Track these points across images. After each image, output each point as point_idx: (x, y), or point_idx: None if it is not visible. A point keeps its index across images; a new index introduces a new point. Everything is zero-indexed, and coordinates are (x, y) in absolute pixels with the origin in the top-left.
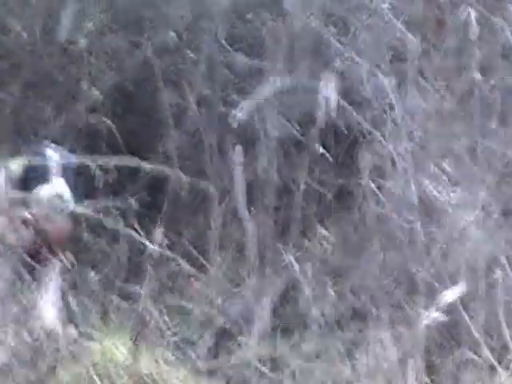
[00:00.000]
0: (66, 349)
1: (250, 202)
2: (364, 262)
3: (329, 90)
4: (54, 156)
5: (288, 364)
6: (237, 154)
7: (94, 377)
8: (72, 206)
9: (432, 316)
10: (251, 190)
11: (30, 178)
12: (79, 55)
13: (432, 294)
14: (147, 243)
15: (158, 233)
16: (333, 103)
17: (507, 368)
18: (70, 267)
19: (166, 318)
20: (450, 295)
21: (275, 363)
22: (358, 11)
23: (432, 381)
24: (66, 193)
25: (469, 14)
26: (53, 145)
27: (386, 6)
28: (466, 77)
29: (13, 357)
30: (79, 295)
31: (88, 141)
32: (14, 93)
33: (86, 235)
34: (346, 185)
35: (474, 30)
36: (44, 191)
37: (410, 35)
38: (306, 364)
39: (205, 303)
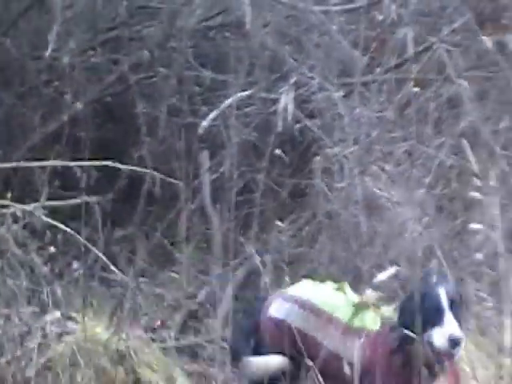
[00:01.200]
0: (52, 328)
1: (215, 199)
2: (315, 252)
3: (286, 102)
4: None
5: None
6: (203, 158)
7: (76, 353)
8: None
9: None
10: (216, 189)
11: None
12: (63, 71)
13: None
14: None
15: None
16: (289, 113)
17: None
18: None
19: (141, 302)
20: (382, 276)
21: None
22: (310, 32)
23: None
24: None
25: (406, 34)
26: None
27: (334, 27)
28: (404, 89)
29: (3, 335)
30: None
31: (71, 146)
32: (4, 102)
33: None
34: (299, 184)
35: (410, 47)
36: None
37: (355, 52)
38: None
39: (175, 289)
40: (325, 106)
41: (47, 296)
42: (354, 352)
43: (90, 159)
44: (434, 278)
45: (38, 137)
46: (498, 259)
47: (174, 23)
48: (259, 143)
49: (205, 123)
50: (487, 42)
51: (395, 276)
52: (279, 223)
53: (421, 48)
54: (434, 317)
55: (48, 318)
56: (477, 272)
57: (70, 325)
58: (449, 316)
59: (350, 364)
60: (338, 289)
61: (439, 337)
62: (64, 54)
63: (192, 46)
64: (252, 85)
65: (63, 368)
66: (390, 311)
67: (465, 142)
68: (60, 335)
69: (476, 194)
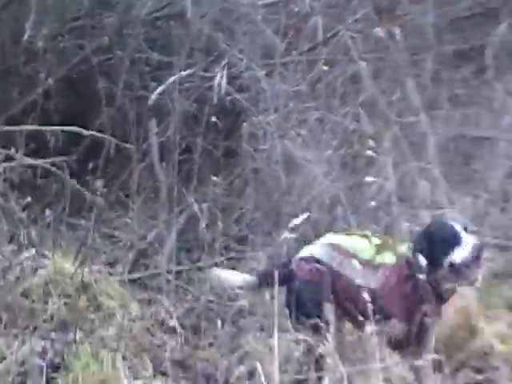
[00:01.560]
0: (28, 264)
1: (162, 159)
2: (243, 202)
3: (219, 79)
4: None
5: (190, 276)
6: (152, 125)
7: (48, 284)
8: None
9: (285, 235)
10: (162, 150)
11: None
12: (37, 53)
13: None
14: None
15: (98, 183)
16: (222, 88)
17: None
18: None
19: (100, 243)
20: (297, 221)
21: (181, 274)
22: (239, 21)
23: None
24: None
25: (316, 22)
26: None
27: (259, 17)
28: (316, 68)
29: None
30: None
31: (44, 115)
32: None
33: (43, 182)
34: (230, 146)
35: (320, 34)
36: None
37: (276, 38)
38: (201, 275)
39: (129, 232)
40: (251, 82)
41: (24, 237)
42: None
43: (59, 125)
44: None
45: (17, 107)
46: (391, 206)
47: (128, 14)
48: (197, 113)
49: (153, 96)
50: (379, 31)
51: (307, 220)
52: (214, 178)
53: (329, 34)
54: (452, 241)
55: (25, 255)
56: (374, 216)
57: (43, 261)
58: (466, 237)
59: (368, 291)
60: (362, 236)
61: (462, 252)
62: (38, 39)
63: (143, 32)
64: (192, 65)
65: (37, 296)
66: (405, 248)
67: (363, 112)
68: (35, 269)
69: (372, 154)
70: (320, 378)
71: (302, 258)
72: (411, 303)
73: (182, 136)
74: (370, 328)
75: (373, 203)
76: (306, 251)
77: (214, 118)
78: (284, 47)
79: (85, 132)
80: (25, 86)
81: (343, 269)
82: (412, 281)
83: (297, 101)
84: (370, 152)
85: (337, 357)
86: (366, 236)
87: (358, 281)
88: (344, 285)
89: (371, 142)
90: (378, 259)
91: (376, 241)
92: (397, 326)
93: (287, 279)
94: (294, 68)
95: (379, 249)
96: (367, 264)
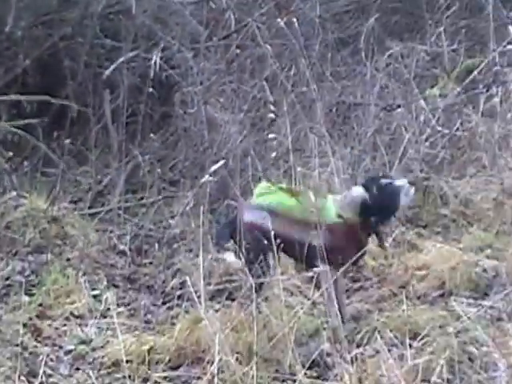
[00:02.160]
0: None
1: (113, 121)
2: (176, 154)
3: (155, 58)
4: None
5: (135, 211)
6: (105, 95)
7: (26, 218)
8: None
9: (207, 178)
10: (114, 114)
11: None
12: (17, 40)
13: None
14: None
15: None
16: (157, 65)
17: None
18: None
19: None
20: (215, 167)
21: (128, 209)
22: (172, 15)
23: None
24: None
25: (230, 15)
26: None
27: (187, 12)
28: (231, 51)
29: None
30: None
31: (21, 89)
32: None
33: (22, 140)
34: (166, 111)
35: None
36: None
37: (200, 28)
38: (144, 209)
39: (89, 177)
40: (181, 62)
41: (7, 182)
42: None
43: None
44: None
45: (1, 82)
46: (288, 156)
47: (87, 10)
48: (141, 85)
49: (107, 72)
50: (280, 22)
51: (224, 167)
52: (153, 135)
53: (241, 25)
54: (397, 203)
55: (8, 196)
56: (276, 164)
57: (22, 200)
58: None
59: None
60: (292, 195)
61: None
62: (17, 29)
63: (98, 24)
64: (136, 48)
65: (18, 227)
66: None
67: (266, 84)
68: (16, 207)
69: (273, 116)
70: (235, 289)
71: (248, 222)
72: (353, 252)
73: (129, 103)
74: None
75: (274, 154)
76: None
77: (152, 89)
78: (206, 34)
79: (53, 100)
80: (7, 66)
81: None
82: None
83: (217, 76)
84: (271, 115)
85: (247, 271)
86: (290, 192)
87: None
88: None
89: (273, 107)
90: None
91: (299, 195)
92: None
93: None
94: (215, 50)
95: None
96: (303, 222)
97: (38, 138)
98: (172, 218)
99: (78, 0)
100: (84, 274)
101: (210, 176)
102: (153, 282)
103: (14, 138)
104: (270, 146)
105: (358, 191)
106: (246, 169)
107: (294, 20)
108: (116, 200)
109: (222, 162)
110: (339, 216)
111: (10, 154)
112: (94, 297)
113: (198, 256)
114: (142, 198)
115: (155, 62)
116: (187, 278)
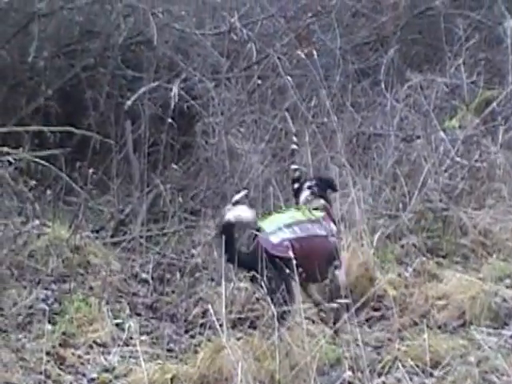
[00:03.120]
0: (33, 231)
1: (135, 151)
2: (197, 183)
3: (175, 90)
4: None
5: (157, 240)
6: (127, 124)
7: (49, 246)
8: None
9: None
10: (135, 144)
11: None
12: (39, 70)
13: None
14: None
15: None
16: (176, 97)
17: None
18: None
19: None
20: (237, 197)
21: (150, 238)
22: (194, 46)
23: None
24: None
25: (252, 47)
26: None
27: (208, 43)
28: (252, 81)
29: (3, 236)
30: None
31: (43, 119)
32: (3, 90)
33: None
34: (187, 141)
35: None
36: None
37: (221, 59)
38: (166, 238)
39: (110, 206)
40: (203, 92)
41: (30, 211)
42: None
43: (56, 124)
44: None
45: (24, 112)
46: None
47: (109, 41)
48: (162, 115)
49: (128, 103)
50: (301, 54)
51: (246, 196)
52: (175, 166)
53: (262, 56)
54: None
55: (31, 224)
56: None
57: (45, 229)
58: None
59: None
60: (298, 209)
61: None
62: (40, 59)
63: (120, 55)
64: (157, 79)
65: (41, 256)
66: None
67: (287, 114)
68: (38, 235)
69: (295, 146)
70: (257, 317)
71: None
72: None
73: (151, 133)
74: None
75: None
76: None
77: (173, 120)
78: (228, 65)
79: (76, 131)
80: (30, 95)
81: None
82: None
83: (238, 106)
84: (294, 146)
85: (269, 300)
86: (300, 209)
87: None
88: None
89: (295, 138)
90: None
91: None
92: None
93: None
94: (236, 81)
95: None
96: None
97: (61, 167)
98: (194, 247)
99: (99, 31)
100: (107, 303)
101: (233, 205)
102: (175, 310)
103: (37, 167)
104: (292, 176)
105: None
106: (268, 198)
107: (315, 51)
108: (138, 229)
109: (244, 192)
110: None
111: (33, 183)
112: (117, 325)
113: (219, 285)
114: (163, 228)
115: (176, 93)
116: (209, 307)
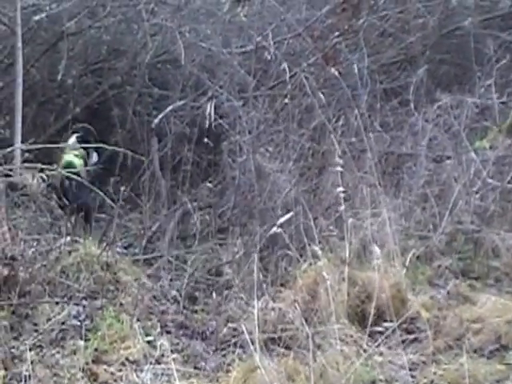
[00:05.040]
0: (64, 247)
1: (162, 168)
2: (224, 201)
3: (209, 109)
4: None
5: (185, 257)
6: (154, 142)
7: (80, 263)
8: None
9: (275, 230)
10: (162, 162)
11: None
12: (68, 88)
13: (262, 218)
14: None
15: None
16: (212, 116)
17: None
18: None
19: (118, 232)
20: (283, 219)
21: (178, 256)
22: (220, 64)
23: (266, 268)
24: None
25: (279, 66)
26: None
27: (235, 62)
28: (279, 100)
29: (36, 251)
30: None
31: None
32: (33, 107)
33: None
34: (214, 159)
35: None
36: None
37: (248, 77)
38: (193, 256)
39: (139, 223)
40: (230, 111)
41: (62, 228)
42: None
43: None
44: None
45: (52, 129)
46: (339, 205)
47: (135, 59)
48: (189, 133)
49: (156, 121)
50: (335, 71)
51: (274, 216)
52: (206, 184)
53: (289, 75)
54: None
55: (62, 241)
56: (326, 214)
57: (76, 245)
58: None
59: None
60: None
61: None
62: (68, 78)
63: (147, 73)
64: (184, 97)
65: (72, 272)
66: None
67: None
68: (70, 252)
69: (339, 168)
70: (290, 338)
71: None
72: None
73: (177, 151)
74: None
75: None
76: None
77: (200, 138)
78: (254, 84)
79: (107, 147)
80: (58, 113)
81: None
82: None
83: (265, 125)
84: (338, 167)
85: (303, 320)
86: None
87: None
88: None
89: (339, 159)
90: None
91: None
92: None
93: None
94: (263, 100)
95: None
96: None
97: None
98: (222, 265)
99: (126, 50)
100: (138, 320)
101: (278, 228)
102: (205, 328)
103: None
104: (320, 195)
105: None
106: (296, 218)
107: (342, 70)
108: (166, 246)
109: (290, 215)
110: None
111: (65, 200)
112: (148, 342)
113: (247, 303)
114: (191, 245)
115: (208, 113)
116: (242, 326)
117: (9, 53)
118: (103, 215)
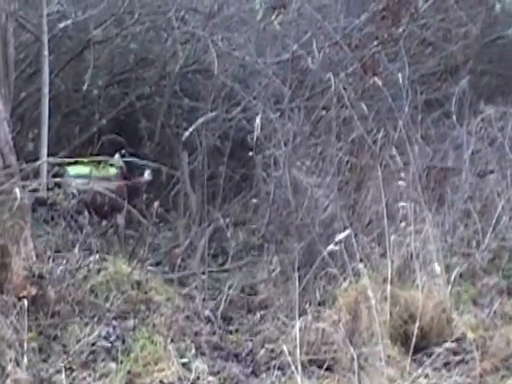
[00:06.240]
0: (93, 265)
1: (193, 183)
2: (258, 217)
3: (257, 123)
4: None
5: (217, 275)
6: (184, 156)
7: (109, 281)
8: None
9: (332, 248)
10: (193, 175)
11: None
12: (93, 99)
13: (299, 235)
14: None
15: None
16: (259, 129)
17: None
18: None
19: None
20: (341, 236)
21: (211, 274)
22: (255, 74)
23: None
24: None
25: (315, 76)
26: None
27: (270, 72)
28: (316, 112)
29: (65, 269)
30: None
31: (98, 148)
32: (57, 118)
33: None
34: (247, 173)
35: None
36: None
37: (284, 88)
38: (227, 275)
39: (169, 241)
40: (264, 123)
41: (92, 244)
42: None
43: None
44: None
45: (77, 141)
46: (381, 221)
47: (164, 69)
48: (221, 146)
49: (187, 133)
50: (378, 81)
51: (310, 232)
52: (234, 199)
53: (327, 85)
54: None
55: (92, 258)
56: (366, 230)
57: (105, 263)
58: None
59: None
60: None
61: None
62: (94, 88)
63: (177, 83)
64: (215, 109)
65: (101, 291)
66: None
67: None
68: (99, 270)
69: (402, 183)
70: (333, 359)
71: None
72: None
73: (208, 164)
74: None
75: (367, 219)
76: None
77: (232, 151)
78: (290, 95)
79: (139, 161)
80: (83, 124)
81: None
82: None
83: (302, 137)
84: (401, 182)
85: (348, 341)
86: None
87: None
88: None
89: (402, 174)
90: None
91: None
92: None
93: None
94: (299, 111)
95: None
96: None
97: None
98: (257, 283)
99: (155, 59)
100: (172, 341)
101: (336, 245)
102: (241, 349)
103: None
104: (359, 211)
105: None
106: (334, 234)
107: (381, 81)
108: (197, 264)
109: (347, 232)
110: None
111: (95, 217)
112: (183, 364)
113: (285, 323)
114: (224, 263)
115: (256, 126)
116: (283, 347)
117: (31, 61)
118: (131, 231)
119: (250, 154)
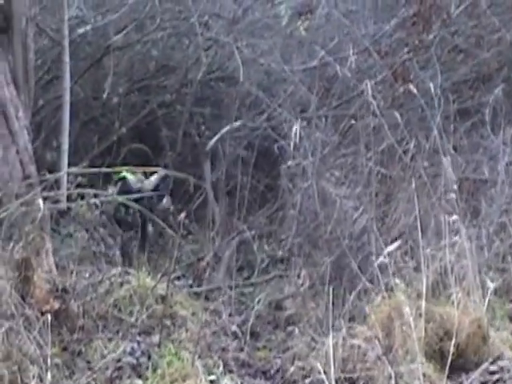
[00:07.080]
0: (116, 279)
1: (216, 193)
2: (285, 229)
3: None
4: None
5: (242, 290)
6: (207, 166)
7: (133, 295)
8: None
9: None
10: (216, 186)
11: None
12: (113, 107)
13: (328, 248)
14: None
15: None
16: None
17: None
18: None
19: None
20: (391, 247)
21: (236, 288)
22: (281, 82)
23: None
24: None
25: (343, 84)
26: None
27: (297, 79)
28: (345, 121)
29: (88, 283)
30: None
31: (117, 157)
32: (76, 127)
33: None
34: (271, 183)
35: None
36: None
37: (311, 96)
38: (253, 289)
39: (192, 254)
40: (291, 132)
41: (115, 257)
42: None
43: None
44: None
45: (96, 151)
46: (412, 233)
47: (186, 76)
48: (245, 156)
49: (211, 143)
50: (412, 88)
51: (340, 245)
52: (259, 210)
53: (355, 93)
54: None
55: (114, 272)
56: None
57: (129, 277)
58: None
59: None
60: None
61: None
62: (114, 96)
63: (199, 91)
64: (239, 117)
65: (125, 305)
66: None
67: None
68: (122, 283)
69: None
70: (368, 376)
71: None
72: None
73: (233, 174)
74: None
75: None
76: None
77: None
78: (317, 103)
79: (167, 172)
80: (102, 133)
81: None
82: None
83: (330, 147)
84: (452, 194)
85: (385, 359)
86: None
87: None
88: None
89: (454, 186)
90: None
91: None
92: None
93: None
94: (326, 120)
95: None
96: None
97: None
98: (284, 298)
99: (176, 66)
100: (199, 357)
101: (384, 258)
102: (269, 366)
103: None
104: (390, 223)
105: None
106: (364, 247)
107: (411, 89)
108: (222, 277)
109: (398, 243)
110: None
111: (118, 230)
112: (211, 382)
113: (314, 340)
114: (249, 277)
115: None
116: (317, 364)
117: (49, 68)
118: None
119: (284, 165)
